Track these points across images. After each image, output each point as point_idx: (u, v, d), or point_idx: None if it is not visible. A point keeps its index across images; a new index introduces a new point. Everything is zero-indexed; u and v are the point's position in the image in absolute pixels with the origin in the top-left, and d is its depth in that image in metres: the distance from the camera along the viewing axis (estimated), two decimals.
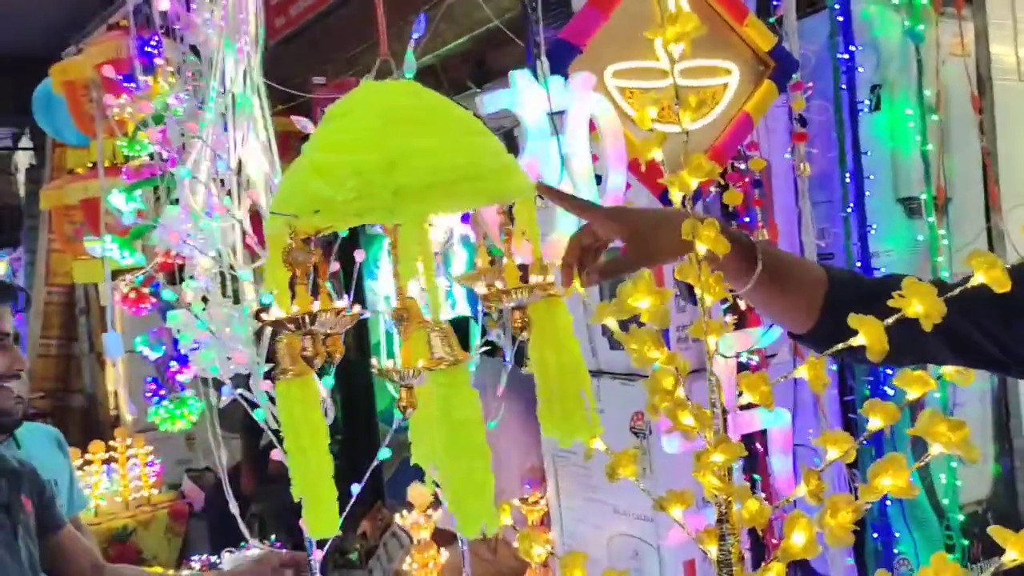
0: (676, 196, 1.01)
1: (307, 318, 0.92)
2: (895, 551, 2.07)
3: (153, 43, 2.59)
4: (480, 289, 1.00)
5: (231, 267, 1.85)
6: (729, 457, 0.97)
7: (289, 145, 2.15)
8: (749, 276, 1.05)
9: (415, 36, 1.93)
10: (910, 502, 2.16)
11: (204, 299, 1.88)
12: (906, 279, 0.92)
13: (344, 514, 1.80)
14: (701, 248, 0.97)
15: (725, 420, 1.05)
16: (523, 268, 1.03)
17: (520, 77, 1.24)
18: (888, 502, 2.04)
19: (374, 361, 1.03)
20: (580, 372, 1.04)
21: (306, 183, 0.96)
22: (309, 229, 1.03)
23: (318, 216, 0.97)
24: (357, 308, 1.03)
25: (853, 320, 0.98)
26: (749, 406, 1.36)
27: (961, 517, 2.15)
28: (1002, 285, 0.91)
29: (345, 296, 1.78)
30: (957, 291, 0.88)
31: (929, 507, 2.16)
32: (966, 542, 2.16)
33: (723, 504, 1.05)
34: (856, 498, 0.92)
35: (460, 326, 1.25)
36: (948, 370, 1.07)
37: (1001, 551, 0.87)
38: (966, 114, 2.25)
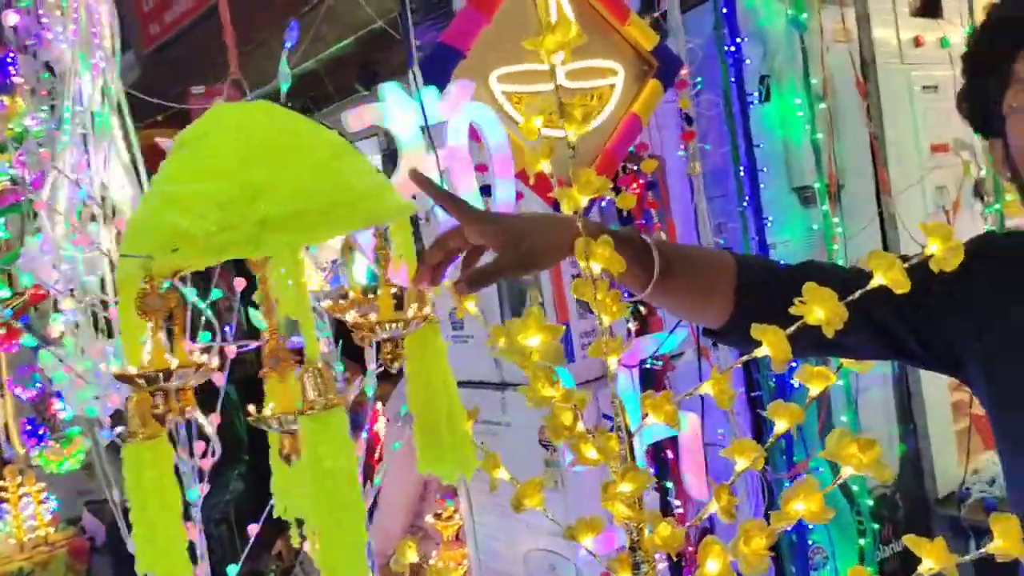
0: (567, 209, 0.95)
1: (160, 374, 0.82)
2: (809, 541, 2.07)
3: (9, 60, 2.41)
4: (351, 319, 0.92)
5: (102, 302, 1.71)
6: (637, 487, 0.92)
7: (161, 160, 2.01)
8: (648, 279, 1.00)
9: (288, 45, 1.82)
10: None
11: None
12: (809, 285, 0.87)
13: (256, 536, 1.73)
14: (595, 267, 0.91)
15: (631, 444, 1.00)
16: (398, 297, 0.95)
17: (389, 90, 1.16)
18: None
19: (251, 408, 0.94)
20: (458, 404, 0.98)
21: (160, 218, 0.86)
22: (165, 270, 0.93)
23: (176, 255, 0.87)
24: (214, 361, 0.92)
25: (756, 331, 0.94)
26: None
27: (870, 502, 2.17)
28: (901, 286, 0.88)
29: (225, 330, 1.67)
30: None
31: (839, 494, 2.18)
32: (876, 526, 2.18)
33: (634, 531, 1.00)
34: (772, 505, 0.88)
35: None
36: (847, 360, 1.04)
37: (908, 534, 0.84)
38: (853, 100, 2.26)
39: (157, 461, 0.86)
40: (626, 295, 1.08)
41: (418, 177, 0.99)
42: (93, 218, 1.76)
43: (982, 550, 0.85)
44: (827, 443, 0.81)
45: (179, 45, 4.27)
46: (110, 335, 1.80)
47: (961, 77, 1.04)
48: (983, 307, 1.00)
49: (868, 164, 2.30)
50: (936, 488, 2.40)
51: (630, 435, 0.99)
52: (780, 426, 0.92)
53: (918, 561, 0.85)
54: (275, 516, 1.01)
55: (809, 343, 0.96)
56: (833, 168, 2.16)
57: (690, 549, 1.77)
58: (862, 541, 2.16)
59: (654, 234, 1.72)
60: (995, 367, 1.01)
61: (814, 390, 0.92)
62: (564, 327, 0.80)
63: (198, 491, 1.62)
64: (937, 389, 2.43)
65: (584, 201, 0.91)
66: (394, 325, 0.91)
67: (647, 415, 0.95)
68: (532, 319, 0.78)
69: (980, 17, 2.40)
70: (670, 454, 1.79)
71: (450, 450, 1.00)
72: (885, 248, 2.30)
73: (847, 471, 0.79)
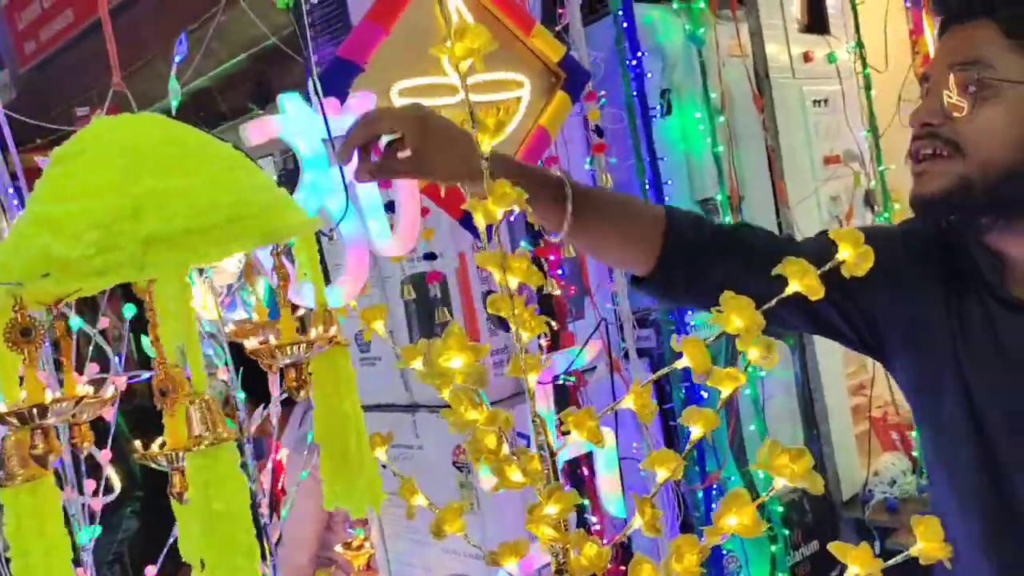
0: (480, 223, 0.92)
1: (35, 411, 0.75)
2: (723, 550, 2.08)
3: None
4: (250, 345, 0.86)
5: None
6: (564, 508, 0.89)
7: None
8: (563, 216, 1.02)
9: (177, 59, 1.74)
10: None
11: None
12: (727, 295, 0.87)
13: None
14: (513, 281, 0.88)
15: (554, 463, 0.96)
16: (301, 320, 0.89)
17: (289, 102, 1.10)
18: (714, 505, 2.05)
19: (137, 445, 0.86)
20: (364, 432, 0.93)
21: (31, 241, 0.79)
22: (41, 297, 0.85)
23: (50, 280, 0.79)
24: (112, 387, 0.85)
25: (676, 345, 0.93)
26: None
27: (780, 508, 2.20)
28: (815, 292, 0.89)
29: (116, 359, 1.57)
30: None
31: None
32: (787, 531, 2.21)
33: (560, 553, 0.97)
34: (691, 523, 0.86)
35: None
36: (753, 355, 1.04)
37: (816, 538, 0.84)
38: (750, 113, 2.31)
39: (39, 505, 0.78)
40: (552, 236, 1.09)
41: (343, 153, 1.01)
42: None
43: (906, 553, 0.85)
44: (758, 455, 0.79)
45: (58, 63, 4.08)
46: None
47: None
48: (900, 293, 1.03)
49: (766, 176, 2.36)
50: (841, 491, 2.45)
51: (552, 455, 0.95)
52: (696, 432, 0.91)
53: (828, 565, 0.84)
54: (183, 559, 0.94)
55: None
56: (734, 180, 2.20)
57: (610, 567, 1.75)
58: (774, 547, 2.18)
59: (563, 249, 1.70)
60: (909, 352, 1.05)
61: (725, 391, 0.92)
62: (487, 347, 0.76)
63: (90, 532, 1.51)
64: (837, 394, 2.49)
65: (500, 214, 0.88)
66: (297, 348, 0.86)
67: (569, 432, 0.92)
68: (453, 339, 0.74)
69: (866, 34, 2.49)
70: (585, 471, 1.76)
71: (359, 482, 0.95)
72: None
73: (780, 482, 0.78)
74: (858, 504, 2.41)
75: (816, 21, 2.59)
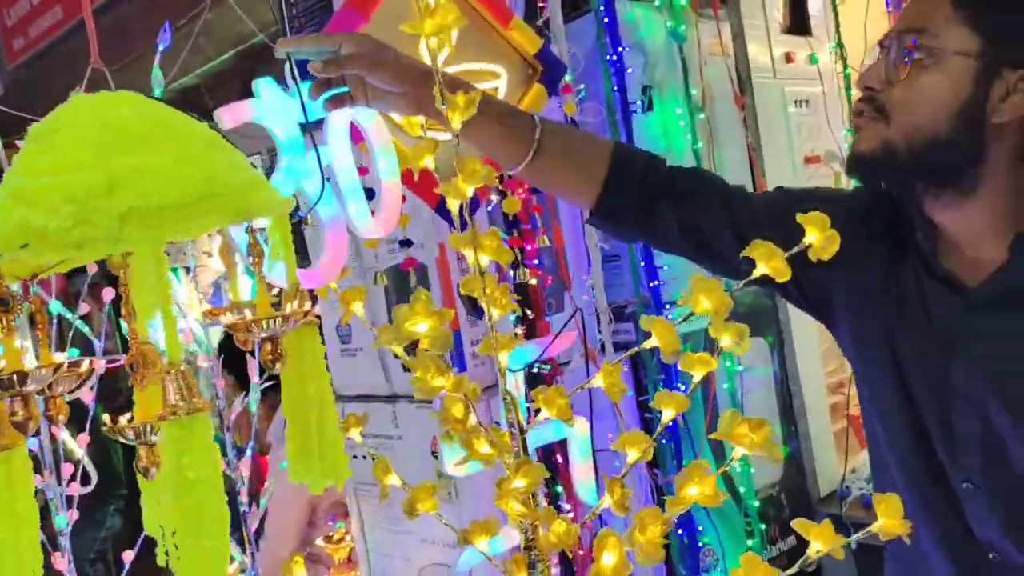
0: (453, 204, 0.93)
1: (15, 377, 0.76)
2: (700, 544, 2.10)
3: None
4: (226, 320, 0.87)
5: None
6: (531, 482, 0.91)
7: None
8: (524, 156, 1.06)
9: (161, 47, 1.75)
10: None
11: None
12: (696, 277, 0.89)
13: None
14: (484, 259, 0.89)
15: (524, 441, 0.98)
16: (279, 299, 0.91)
17: (264, 86, 1.12)
18: None
19: (105, 419, 0.87)
20: (333, 408, 0.95)
21: (8, 213, 0.80)
22: (18, 271, 0.87)
23: (27, 251, 0.80)
24: (88, 361, 0.87)
25: (644, 321, 0.96)
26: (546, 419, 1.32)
27: (757, 503, 2.22)
28: (783, 275, 0.91)
29: (96, 342, 1.58)
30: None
31: (728, 495, 2.22)
32: (764, 526, 2.23)
33: (529, 530, 0.99)
34: (663, 508, 0.88)
35: None
36: (725, 342, 1.06)
37: (793, 533, 0.86)
38: (731, 111, 2.33)
39: (11, 476, 0.79)
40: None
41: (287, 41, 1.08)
42: None
43: (867, 529, 0.87)
44: (719, 425, 0.81)
45: (47, 60, 4.08)
46: None
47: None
48: (845, 258, 1.06)
49: (747, 174, 2.38)
50: (818, 487, 2.47)
51: (523, 431, 0.97)
52: (667, 414, 0.93)
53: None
54: (146, 534, 0.95)
55: (702, 249, 1.08)
56: None
57: (581, 552, 1.76)
58: (750, 542, 2.20)
59: (538, 239, 1.72)
60: (850, 316, 1.08)
61: (697, 376, 0.94)
62: (452, 311, 0.78)
63: (66, 518, 1.52)
64: (816, 391, 2.52)
65: (470, 191, 0.90)
66: (272, 323, 0.87)
67: (539, 410, 0.94)
68: (419, 305, 0.75)
69: (846, 35, 2.51)
70: (560, 459, 1.78)
71: (319, 458, 0.96)
72: None
73: (739, 451, 0.80)
74: (835, 500, 2.43)
75: (798, 22, 2.62)
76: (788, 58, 2.55)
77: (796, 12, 2.62)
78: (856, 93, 1.04)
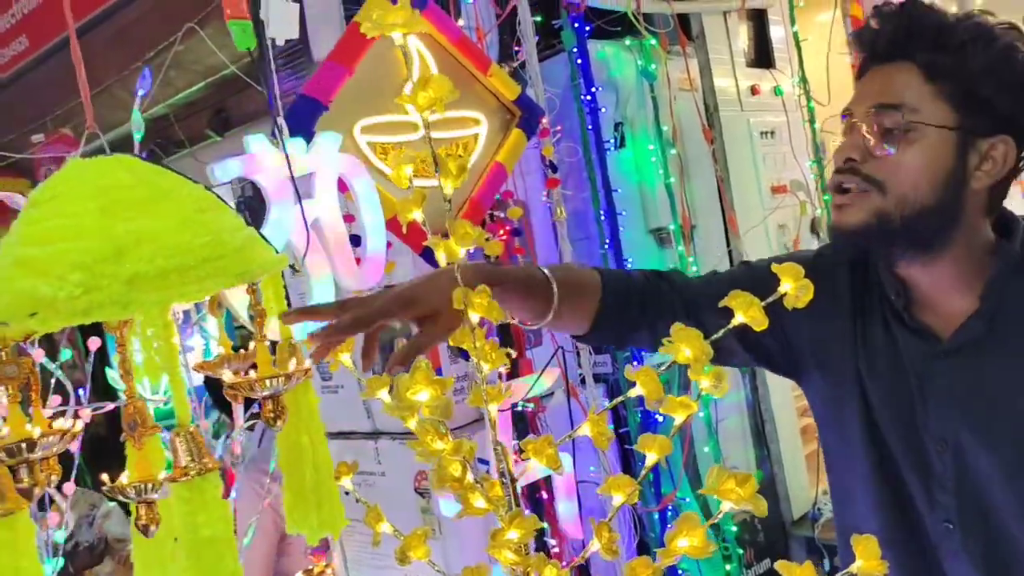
0: (442, 259, 0.96)
1: (23, 445, 0.77)
2: (679, 570, 2.13)
3: None
4: (228, 377, 0.89)
5: None
6: (525, 533, 0.93)
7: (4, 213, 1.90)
8: (544, 310, 1.05)
9: (140, 93, 1.76)
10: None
11: None
12: (677, 326, 0.92)
13: None
14: (474, 317, 0.92)
15: (515, 489, 1.00)
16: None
17: (254, 142, 1.14)
18: (669, 526, 2.10)
19: (104, 478, 0.89)
20: (328, 458, 0.97)
21: (15, 283, 0.81)
22: (16, 334, 0.88)
23: (35, 319, 0.82)
24: (78, 425, 0.88)
25: (629, 373, 0.98)
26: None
27: (734, 527, 2.26)
28: (760, 324, 0.93)
29: (80, 392, 1.58)
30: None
31: (704, 523, 2.25)
32: (740, 551, 2.27)
33: None
34: (644, 537, 0.91)
35: None
36: (704, 384, 1.10)
37: (768, 556, 0.90)
38: (700, 145, 2.39)
39: (15, 541, 0.80)
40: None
41: (292, 316, 0.97)
42: None
43: (848, 570, 0.91)
44: (707, 480, 0.84)
45: (11, 91, 4.04)
46: None
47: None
48: (811, 316, 1.09)
49: (717, 206, 2.43)
50: (791, 510, 2.52)
51: (513, 481, 1.00)
52: (651, 458, 0.95)
53: None
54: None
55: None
56: (686, 210, 2.27)
57: None
58: (729, 566, 2.24)
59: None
60: (818, 370, 1.12)
61: (678, 419, 0.96)
62: (452, 380, 0.80)
63: (54, 564, 1.51)
64: (787, 415, 2.57)
65: (462, 252, 0.92)
66: (276, 381, 0.89)
67: (528, 459, 0.96)
68: (420, 374, 0.78)
69: (809, 69, 2.57)
70: (544, 494, 1.81)
71: (316, 509, 0.98)
72: None
73: (727, 505, 0.83)
74: (808, 522, 2.48)
75: (761, 56, 2.69)
76: (754, 90, 2.61)
77: (760, 45, 2.70)
78: (829, 157, 1.07)
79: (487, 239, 1.52)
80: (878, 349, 1.07)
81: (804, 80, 2.58)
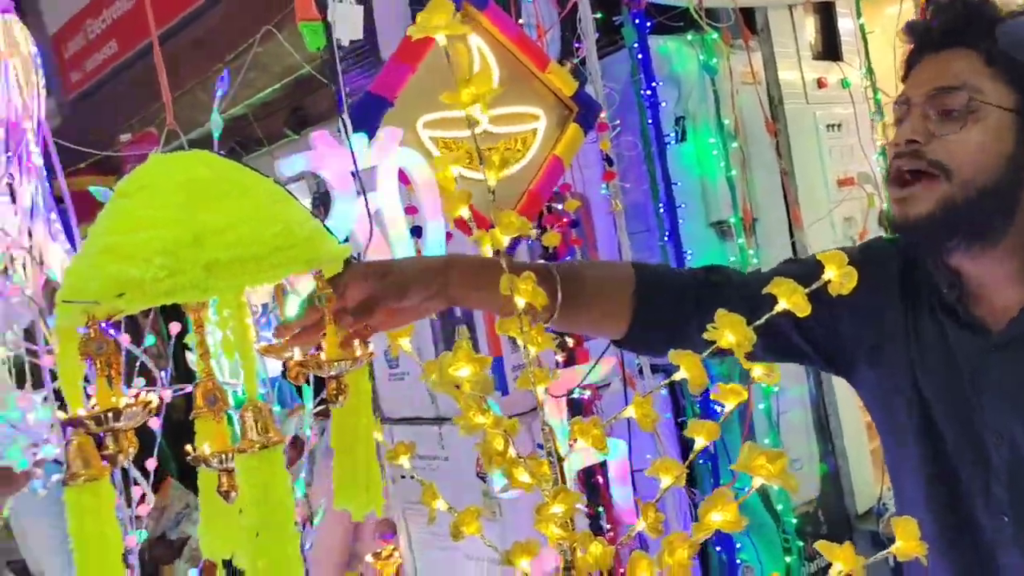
0: (487, 250, 1.01)
1: (110, 415, 0.85)
2: (738, 560, 2.15)
3: None
4: (297, 356, 0.96)
5: (29, 351, 1.71)
6: (568, 507, 0.98)
7: (93, 208, 2.01)
8: (550, 312, 1.05)
9: (219, 94, 1.86)
10: (748, 511, 2.25)
11: None
12: (720, 312, 0.94)
13: None
14: (520, 302, 0.97)
15: (561, 468, 1.05)
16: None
17: (319, 139, 1.21)
18: None
19: (188, 448, 0.96)
20: (374, 442, 1.03)
21: (104, 268, 0.90)
22: (101, 315, 0.96)
23: (123, 299, 0.90)
24: (159, 396, 0.96)
25: (673, 356, 1.01)
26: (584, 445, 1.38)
27: (795, 519, 2.26)
28: (803, 310, 0.95)
29: (162, 374, 1.69)
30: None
31: (766, 514, 2.26)
32: (801, 543, 2.27)
33: (568, 552, 1.05)
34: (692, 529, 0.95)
35: None
36: (757, 373, 1.11)
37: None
38: (763, 138, 2.39)
39: (97, 505, 0.88)
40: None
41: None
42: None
43: (885, 551, 0.93)
44: (739, 457, 0.88)
45: (102, 92, 4.24)
46: (35, 385, 1.79)
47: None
48: (862, 311, 1.09)
49: (780, 199, 2.43)
50: (855, 504, 2.50)
51: (560, 460, 1.04)
52: (699, 442, 0.99)
53: None
54: (204, 556, 1.03)
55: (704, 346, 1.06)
56: (747, 203, 2.28)
57: (621, 572, 1.82)
58: (788, 559, 2.24)
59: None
60: (871, 367, 1.11)
61: (728, 406, 0.99)
62: (491, 359, 0.86)
63: (138, 535, 1.62)
64: (852, 410, 2.55)
65: (506, 241, 0.97)
66: (343, 363, 0.96)
67: (576, 440, 1.01)
68: (461, 352, 0.84)
69: (875, 60, 2.55)
70: (600, 480, 1.85)
71: (363, 488, 1.05)
72: None
73: (758, 481, 0.86)
74: (873, 517, 2.46)
75: (829, 48, 2.67)
76: (820, 83, 2.60)
77: (827, 38, 2.68)
78: (885, 140, 1.06)
79: (545, 230, 1.59)
80: (929, 343, 1.07)
81: (871, 72, 2.56)
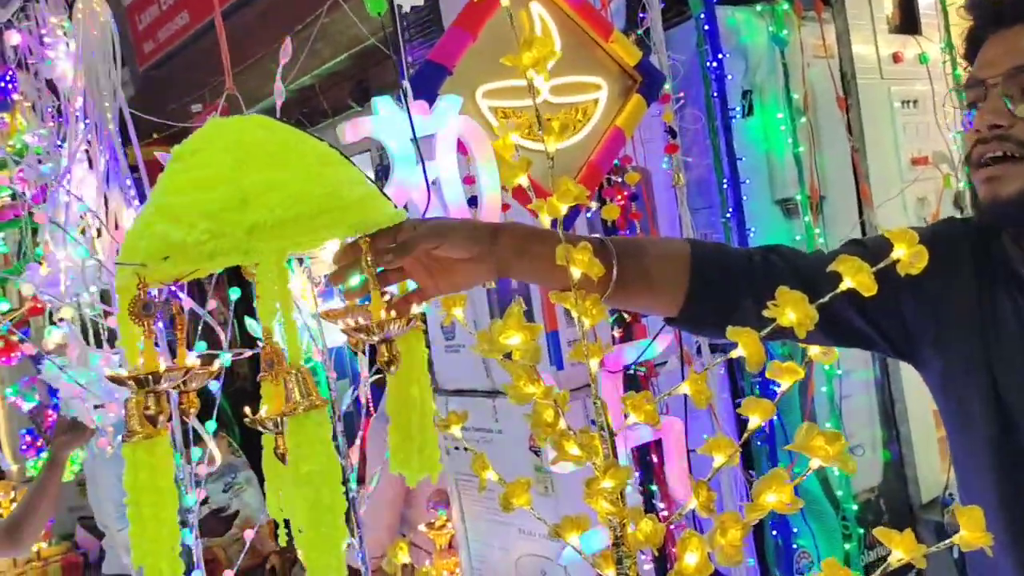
0: (545, 219, 0.99)
1: (150, 377, 0.86)
2: (794, 545, 2.11)
3: (7, 78, 2.46)
4: (348, 324, 0.96)
5: (105, 312, 1.75)
6: (619, 483, 0.96)
7: None
8: (605, 286, 1.02)
9: (283, 62, 1.87)
10: (806, 495, 2.21)
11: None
12: (782, 289, 0.90)
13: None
14: (576, 272, 0.95)
15: (613, 443, 1.03)
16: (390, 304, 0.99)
17: (382, 104, 1.21)
18: None
19: (247, 410, 0.98)
20: (432, 407, 1.02)
21: (152, 228, 0.91)
22: (161, 278, 0.97)
23: (168, 262, 0.91)
24: (217, 363, 0.97)
25: (731, 333, 0.98)
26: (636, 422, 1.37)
27: (855, 506, 2.21)
28: (869, 289, 0.92)
29: (223, 337, 1.71)
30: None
31: (825, 499, 2.22)
32: (861, 530, 2.22)
33: (617, 527, 1.04)
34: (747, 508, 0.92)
35: None
36: (814, 351, 1.07)
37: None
38: (833, 114, 2.32)
39: (152, 462, 0.89)
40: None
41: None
42: (99, 233, 1.81)
43: (947, 541, 0.89)
44: (795, 437, 0.85)
45: (174, 63, 4.31)
46: (113, 344, 1.85)
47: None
48: (929, 295, 1.05)
49: (849, 177, 2.36)
50: (920, 494, 2.43)
51: (612, 434, 1.03)
52: (754, 421, 0.96)
53: (904, 566, 0.88)
54: (269, 516, 1.04)
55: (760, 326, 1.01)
56: (815, 180, 2.21)
57: (673, 550, 1.81)
58: (848, 546, 2.20)
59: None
60: (939, 353, 1.06)
61: (784, 384, 0.96)
62: (541, 327, 0.84)
63: (195, 497, 1.65)
64: (919, 397, 2.47)
65: (564, 209, 0.95)
66: (391, 326, 0.95)
67: (628, 415, 0.99)
68: (512, 319, 0.82)
69: (956, 34, 2.45)
70: (655, 458, 1.82)
71: (418, 453, 1.04)
72: None
73: (815, 463, 0.83)
74: (937, 507, 2.39)
75: (907, 21, 2.57)
76: (896, 58, 2.51)
77: (905, 10, 2.58)
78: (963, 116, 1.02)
79: (605, 202, 1.56)
80: (1007, 329, 1.02)
81: (951, 47, 2.46)
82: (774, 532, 2.07)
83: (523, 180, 1.04)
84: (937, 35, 2.57)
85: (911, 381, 2.43)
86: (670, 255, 1.09)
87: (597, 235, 1.06)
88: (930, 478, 2.45)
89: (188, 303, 1.62)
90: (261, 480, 1.19)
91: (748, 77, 2.10)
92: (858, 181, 2.36)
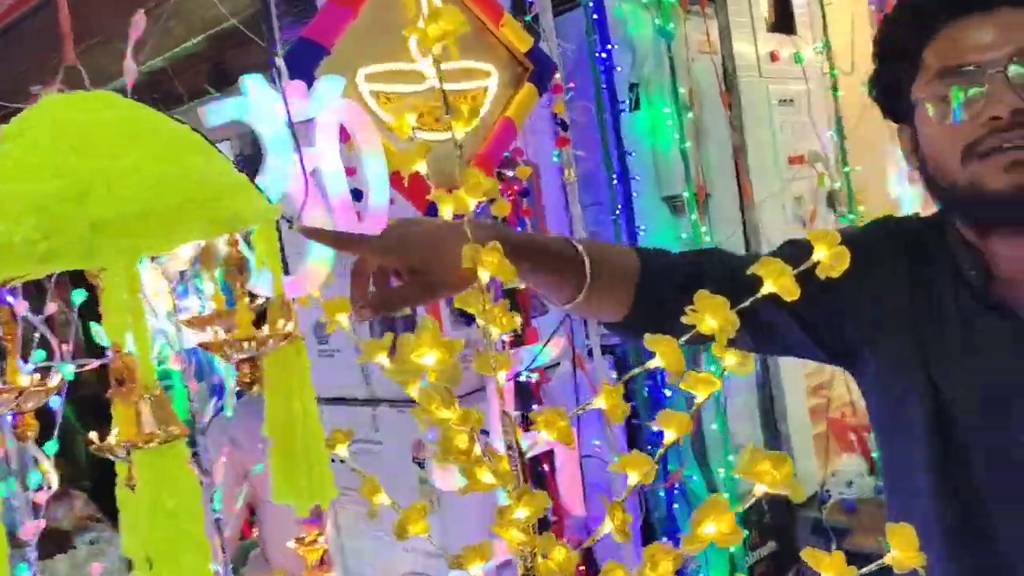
0: (446, 213, 0.88)
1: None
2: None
3: None
4: (205, 337, 0.81)
5: None
6: (534, 511, 0.86)
7: None
8: (575, 293, 0.96)
9: (134, 36, 1.68)
10: (693, 495, 2.18)
11: None
12: (701, 293, 0.83)
13: None
14: (484, 275, 0.84)
15: (523, 465, 0.93)
16: (262, 311, 0.85)
17: (252, 83, 1.06)
18: (675, 505, 2.04)
19: (92, 436, 0.82)
20: (319, 425, 0.90)
21: None
22: None
23: None
24: (58, 377, 0.81)
25: (648, 341, 0.90)
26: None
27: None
28: (791, 293, 0.86)
29: (62, 347, 1.51)
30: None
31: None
32: (746, 532, 2.21)
33: (528, 558, 0.95)
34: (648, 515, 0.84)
35: None
36: (729, 362, 1.01)
37: (774, 538, 0.83)
38: (718, 110, 2.30)
39: None
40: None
41: (307, 231, 0.90)
42: None
43: (880, 561, 0.84)
44: (739, 461, 0.77)
45: (7, 41, 3.95)
46: None
47: (872, 62, 1.03)
48: (866, 296, 1.01)
49: (732, 174, 2.34)
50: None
51: (522, 455, 0.93)
52: (669, 436, 0.89)
53: (785, 565, 0.82)
54: (123, 555, 0.89)
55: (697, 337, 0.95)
56: (701, 177, 2.18)
57: (581, 568, 1.73)
58: (732, 548, 2.18)
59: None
60: (876, 354, 1.03)
61: (700, 396, 0.89)
62: (461, 342, 0.73)
63: (33, 526, 1.45)
64: (796, 395, 2.50)
65: (472, 204, 0.84)
66: (250, 344, 0.82)
67: (538, 432, 0.90)
68: (426, 334, 0.70)
69: (832, 35, 2.48)
70: (546, 467, 1.74)
71: (306, 479, 0.92)
72: None
73: (760, 488, 0.76)
74: (815, 504, 2.42)
75: (783, 20, 2.59)
76: (773, 56, 2.52)
77: (781, 10, 2.60)
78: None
79: (494, 199, 1.43)
80: (949, 329, 0.99)
81: (827, 47, 2.48)
82: (664, 537, 2.03)
83: (422, 167, 0.92)
84: (811, 35, 2.59)
85: (790, 380, 2.45)
86: (624, 261, 1.03)
87: (565, 236, 0.98)
88: (807, 476, 2.47)
89: (21, 308, 1.42)
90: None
91: (635, 70, 2.05)
92: (740, 178, 2.35)
